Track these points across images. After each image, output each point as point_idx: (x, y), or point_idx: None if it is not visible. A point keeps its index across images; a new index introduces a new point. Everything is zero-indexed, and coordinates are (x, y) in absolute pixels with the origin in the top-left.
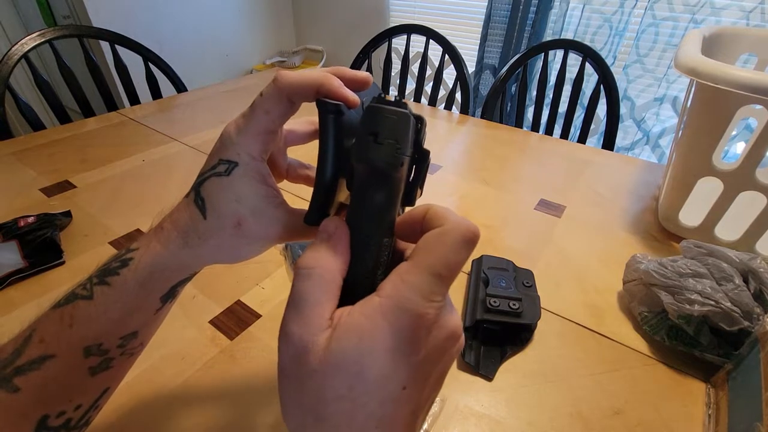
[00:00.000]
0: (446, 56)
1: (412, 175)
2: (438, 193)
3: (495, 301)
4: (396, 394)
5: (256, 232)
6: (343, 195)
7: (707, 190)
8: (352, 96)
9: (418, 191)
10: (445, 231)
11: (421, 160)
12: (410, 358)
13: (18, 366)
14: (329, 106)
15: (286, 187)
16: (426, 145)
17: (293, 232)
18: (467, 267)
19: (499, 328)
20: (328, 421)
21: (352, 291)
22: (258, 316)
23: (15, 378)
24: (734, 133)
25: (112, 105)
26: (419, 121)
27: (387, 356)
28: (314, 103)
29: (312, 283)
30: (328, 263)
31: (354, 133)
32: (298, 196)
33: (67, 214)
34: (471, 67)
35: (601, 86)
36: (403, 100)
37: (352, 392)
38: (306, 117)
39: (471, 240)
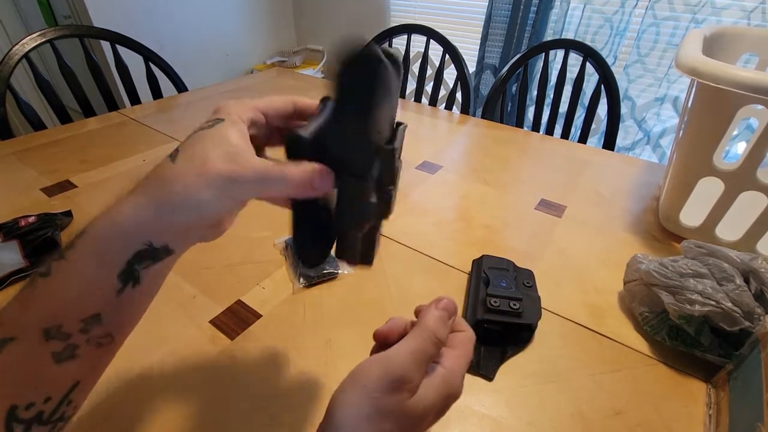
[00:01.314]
0: (447, 56)
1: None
2: (438, 193)
3: (495, 301)
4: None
5: (221, 169)
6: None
7: (708, 190)
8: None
9: (399, 163)
10: (471, 337)
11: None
12: (438, 415)
13: None
14: (302, 140)
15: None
16: (426, 145)
17: (256, 170)
18: (467, 267)
19: (500, 328)
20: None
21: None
22: (258, 316)
23: None
24: (735, 133)
25: (112, 105)
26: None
27: (431, 409)
28: None
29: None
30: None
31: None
32: None
33: (68, 214)
34: (471, 67)
35: (602, 86)
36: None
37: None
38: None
39: (434, 335)
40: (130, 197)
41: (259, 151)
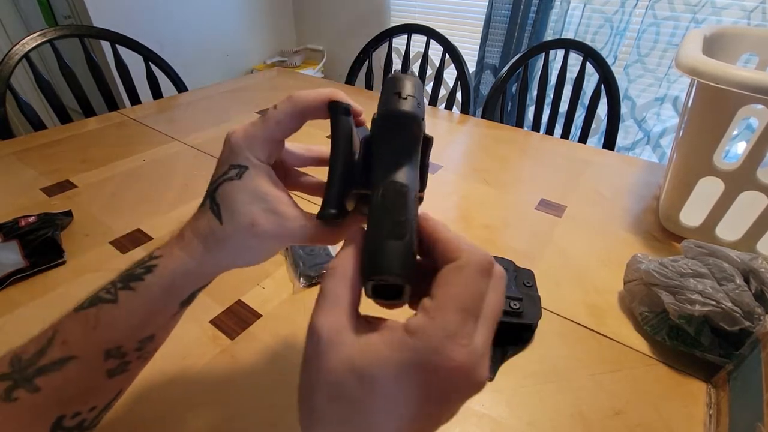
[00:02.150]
0: (447, 56)
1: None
2: (438, 193)
3: None
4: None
5: (269, 230)
6: (350, 205)
7: (708, 190)
8: (357, 106)
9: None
10: (462, 265)
11: (427, 144)
12: (424, 405)
13: (40, 366)
14: (341, 106)
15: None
16: None
17: (304, 230)
18: None
19: (500, 328)
20: (322, 417)
21: (378, 288)
22: (258, 315)
23: (36, 378)
24: (735, 132)
25: (112, 105)
26: (427, 139)
27: (395, 390)
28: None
29: (337, 281)
30: (346, 261)
31: (357, 146)
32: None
33: (68, 214)
34: (471, 67)
35: (602, 86)
36: (418, 100)
37: (352, 406)
38: (303, 144)
39: (488, 270)
40: (193, 246)
41: (288, 177)
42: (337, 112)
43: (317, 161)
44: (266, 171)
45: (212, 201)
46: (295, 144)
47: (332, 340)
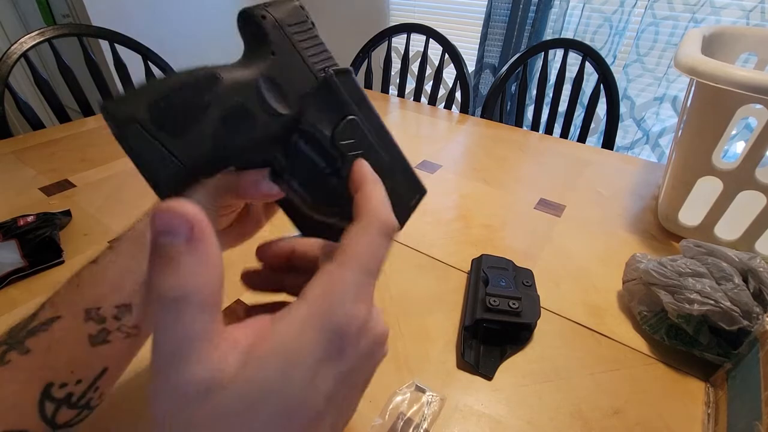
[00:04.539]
0: (446, 55)
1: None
2: (438, 192)
3: (495, 301)
4: (320, 408)
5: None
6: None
7: (707, 190)
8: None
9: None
10: (366, 224)
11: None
12: (338, 367)
13: (31, 328)
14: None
15: None
16: (426, 144)
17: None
18: (467, 266)
19: (499, 327)
20: None
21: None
22: None
23: (27, 340)
24: (734, 132)
25: None
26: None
27: (314, 371)
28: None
29: (192, 316)
30: (197, 280)
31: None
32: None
33: (67, 214)
34: (471, 66)
35: (601, 85)
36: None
37: (279, 420)
38: None
39: (391, 231)
40: None
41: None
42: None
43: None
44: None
45: None
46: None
47: (210, 387)
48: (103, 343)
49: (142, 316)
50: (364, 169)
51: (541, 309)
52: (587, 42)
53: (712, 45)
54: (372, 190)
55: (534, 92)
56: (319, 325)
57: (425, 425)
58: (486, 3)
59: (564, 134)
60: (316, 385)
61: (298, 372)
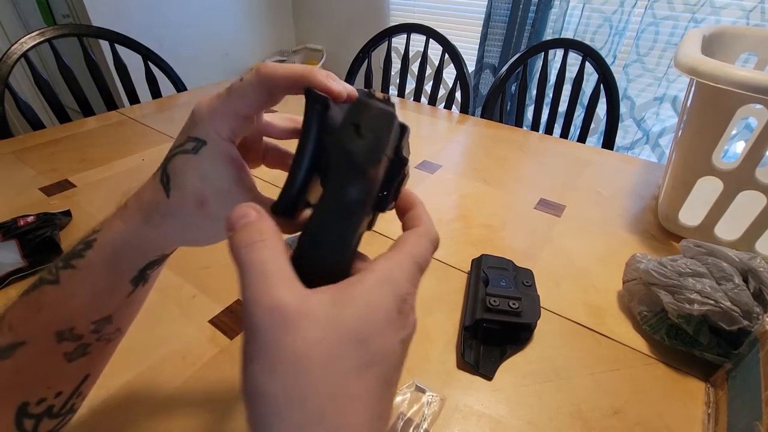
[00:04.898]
0: (446, 55)
1: (390, 180)
2: (438, 192)
3: (495, 301)
4: (394, 351)
5: (217, 213)
6: (314, 195)
7: (707, 190)
8: (338, 89)
9: (392, 199)
10: (423, 232)
11: (399, 166)
12: (403, 324)
13: None
14: (318, 98)
15: (262, 174)
16: (426, 144)
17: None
18: (467, 266)
19: (499, 327)
20: (336, 395)
21: (314, 281)
22: None
23: None
24: (734, 132)
25: (111, 104)
26: (403, 127)
27: (390, 319)
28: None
29: (275, 252)
30: (276, 237)
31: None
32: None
33: (67, 214)
34: (471, 67)
35: (601, 85)
36: (392, 101)
37: (360, 359)
38: (288, 114)
39: (437, 245)
40: (133, 217)
41: (265, 153)
42: (312, 103)
43: (281, 161)
44: (226, 149)
45: (163, 172)
46: (276, 114)
47: (306, 313)
48: (82, 356)
49: (121, 320)
50: (413, 195)
51: (541, 309)
52: (587, 42)
53: (712, 45)
54: (423, 212)
55: (534, 92)
56: (389, 289)
57: (425, 425)
58: (486, 3)
59: (564, 134)
60: (392, 336)
61: (380, 318)
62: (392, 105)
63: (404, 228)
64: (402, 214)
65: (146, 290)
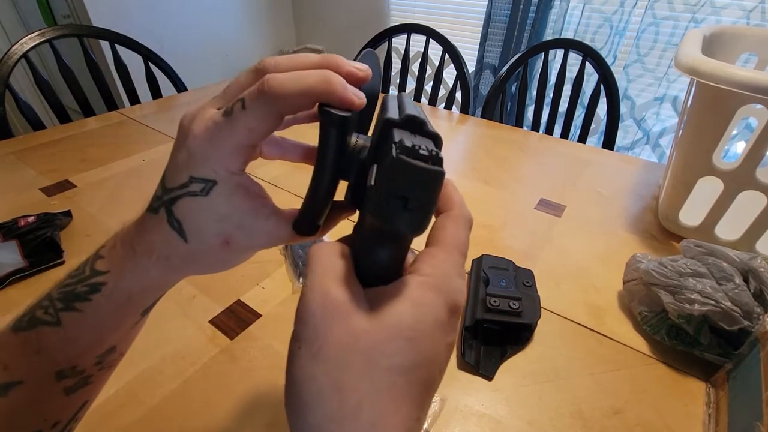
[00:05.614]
0: (446, 56)
1: None
2: None
3: (495, 301)
4: (441, 357)
5: (245, 245)
6: (334, 211)
7: (707, 190)
8: (358, 100)
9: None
10: (457, 216)
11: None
12: (452, 328)
13: None
14: (334, 117)
15: (283, 184)
16: None
17: (285, 238)
18: (467, 266)
19: (499, 327)
20: (377, 390)
21: (369, 283)
22: (258, 315)
23: None
24: (734, 132)
25: (112, 105)
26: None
27: (439, 326)
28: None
29: (338, 252)
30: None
31: (354, 129)
32: (296, 194)
33: (68, 214)
34: (471, 67)
35: (602, 86)
36: (437, 142)
37: (406, 358)
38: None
39: (471, 223)
40: (152, 263)
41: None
42: (328, 122)
43: (304, 157)
44: (239, 183)
45: (170, 216)
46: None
47: (355, 307)
48: (83, 386)
49: (124, 346)
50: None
51: (542, 309)
52: (587, 42)
53: (712, 45)
54: (454, 190)
55: (534, 92)
56: (436, 292)
57: (426, 425)
58: (486, 3)
59: (564, 134)
60: (441, 338)
61: (430, 320)
62: (439, 158)
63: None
64: None
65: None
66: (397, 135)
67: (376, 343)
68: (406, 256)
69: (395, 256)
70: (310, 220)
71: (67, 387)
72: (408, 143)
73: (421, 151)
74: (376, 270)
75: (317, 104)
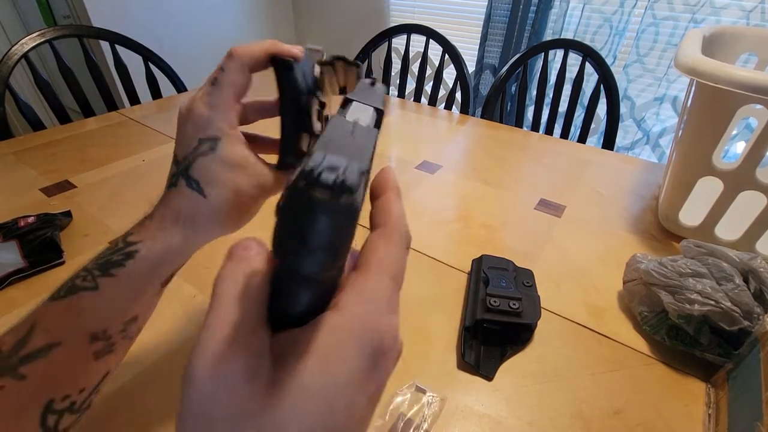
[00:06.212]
0: (446, 56)
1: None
2: (438, 192)
3: (495, 301)
4: (362, 414)
5: (252, 191)
6: (305, 142)
7: (707, 190)
8: (298, 52)
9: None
10: (390, 233)
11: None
12: (375, 376)
13: (23, 355)
14: (285, 62)
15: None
16: (426, 145)
17: (272, 182)
18: (467, 266)
19: (499, 327)
20: None
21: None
22: None
23: (21, 367)
24: (734, 132)
25: (112, 105)
26: (378, 122)
27: (356, 380)
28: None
29: (248, 286)
30: (258, 281)
31: (305, 79)
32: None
33: (68, 214)
34: (471, 67)
35: (601, 86)
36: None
37: (313, 429)
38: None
39: (409, 242)
40: (179, 228)
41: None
42: (282, 68)
43: (268, 112)
44: (237, 136)
45: (188, 178)
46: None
47: (249, 382)
48: (107, 353)
49: (144, 319)
50: (388, 175)
51: (542, 309)
52: (587, 42)
53: (712, 45)
54: (394, 201)
55: (534, 93)
56: (352, 337)
57: (425, 426)
58: (486, 3)
59: (564, 135)
60: (357, 397)
61: (337, 378)
62: (347, 186)
63: (371, 221)
64: (373, 198)
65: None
66: (317, 148)
67: (276, 420)
68: (325, 291)
69: (308, 294)
70: (286, 157)
71: (96, 351)
72: (317, 159)
73: (323, 177)
74: (286, 309)
75: (271, 61)
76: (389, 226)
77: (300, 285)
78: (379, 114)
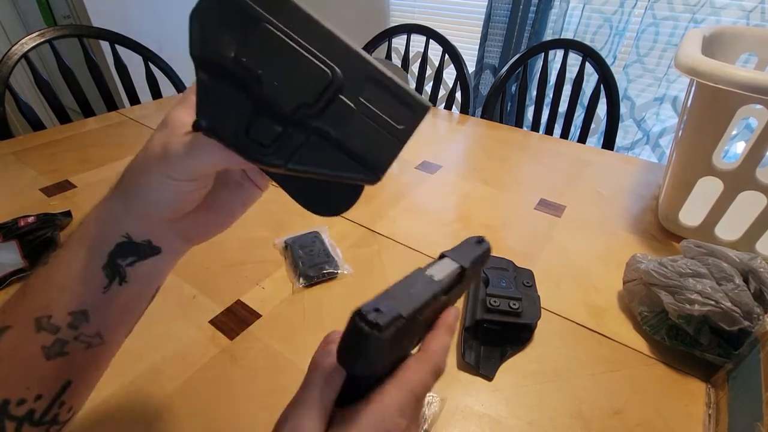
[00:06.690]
0: (446, 56)
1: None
2: (438, 192)
3: (495, 301)
4: None
5: (159, 152)
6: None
7: (707, 190)
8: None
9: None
10: (426, 358)
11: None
12: None
13: None
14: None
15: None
16: (426, 145)
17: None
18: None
19: (499, 327)
20: None
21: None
22: (258, 315)
23: None
24: (734, 132)
25: (112, 105)
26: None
27: None
28: None
29: (328, 376)
30: (334, 369)
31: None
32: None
33: (67, 214)
34: (471, 67)
35: (602, 86)
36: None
37: None
38: None
39: (441, 372)
40: (109, 194)
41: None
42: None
43: None
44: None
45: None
46: None
47: None
48: (60, 355)
49: (101, 322)
50: (448, 314)
51: (542, 309)
52: (587, 42)
53: (712, 45)
54: (440, 335)
55: (534, 93)
56: (373, 428)
57: (426, 426)
58: (486, 3)
59: (564, 135)
60: None
61: None
62: (379, 325)
63: (421, 345)
64: (433, 328)
65: (132, 296)
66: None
67: None
68: (368, 384)
69: (357, 386)
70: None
71: (44, 345)
72: (371, 302)
73: (370, 316)
74: (348, 393)
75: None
76: (428, 352)
77: (351, 380)
78: (462, 270)
